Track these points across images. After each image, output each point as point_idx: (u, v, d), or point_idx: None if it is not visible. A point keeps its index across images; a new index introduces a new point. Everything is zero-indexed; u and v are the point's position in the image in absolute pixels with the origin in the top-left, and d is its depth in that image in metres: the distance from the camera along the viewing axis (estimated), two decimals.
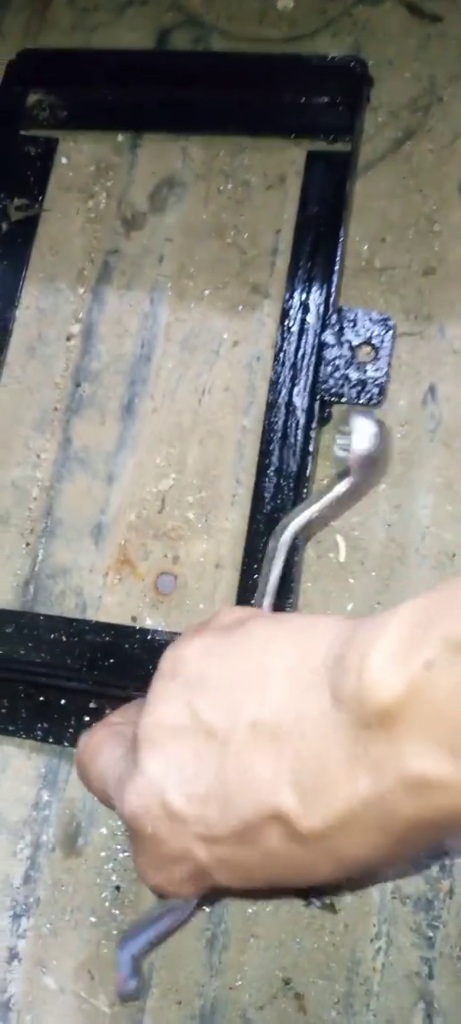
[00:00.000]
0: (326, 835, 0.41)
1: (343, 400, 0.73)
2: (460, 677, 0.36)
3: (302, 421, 0.74)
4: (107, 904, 0.62)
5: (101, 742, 0.51)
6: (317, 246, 0.81)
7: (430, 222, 0.82)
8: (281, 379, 0.76)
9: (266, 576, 0.59)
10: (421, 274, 0.80)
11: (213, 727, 0.44)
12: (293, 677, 0.43)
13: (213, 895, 0.55)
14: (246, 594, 0.69)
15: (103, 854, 0.64)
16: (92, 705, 0.68)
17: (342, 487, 0.58)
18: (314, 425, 0.72)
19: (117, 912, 0.62)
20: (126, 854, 0.63)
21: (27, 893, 0.63)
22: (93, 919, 0.62)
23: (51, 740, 0.68)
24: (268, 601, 0.58)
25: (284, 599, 0.68)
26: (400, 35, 0.91)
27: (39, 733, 0.68)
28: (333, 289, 0.77)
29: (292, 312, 0.78)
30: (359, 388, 0.73)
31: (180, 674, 0.47)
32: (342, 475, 0.58)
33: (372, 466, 0.57)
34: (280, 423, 0.75)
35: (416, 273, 0.80)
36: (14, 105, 0.92)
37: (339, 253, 0.78)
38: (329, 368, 0.74)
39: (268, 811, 0.42)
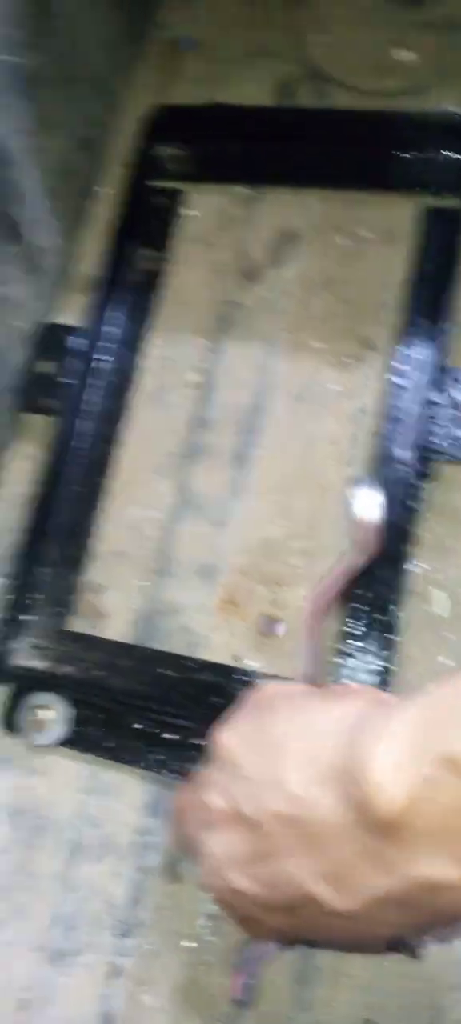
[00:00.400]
0: (360, 913, 0.43)
1: (445, 457, 0.74)
2: (457, 794, 0.38)
3: (405, 475, 0.75)
4: (204, 930, 0.65)
5: (186, 806, 0.54)
6: (430, 303, 0.82)
7: None
8: (387, 433, 0.77)
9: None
10: None
11: (247, 817, 0.47)
12: (308, 772, 0.44)
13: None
14: (344, 645, 0.71)
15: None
16: (197, 741, 0.70)
17: (362, 558, 0.59)
18: (419, 480, 0.73)
19: (213, 939, 0.65)
20: None
21: (131, 914, 0.67)
22: (191, 944, 0.65)
23: (158, 770, 0.71)
24: (304, 672, 0.61)
25: (382, 652, 0.70)
26: None
27: (147, 763, 0.71)
28: (442, 347, 0.77)
29: (400, 367, 0.80)
30: None
31: (221, 761, 0.50)
32: (360, 547, 0.59)
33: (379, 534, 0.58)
34: (384, 476, 0.76)
35: None
36: (145, 158, 0.96)
37: (450, 311, 0.78)
38: (434, 425, 0.75)
39: (304, 895, 0.45)
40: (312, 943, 0.53)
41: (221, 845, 0.49)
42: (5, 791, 0.72)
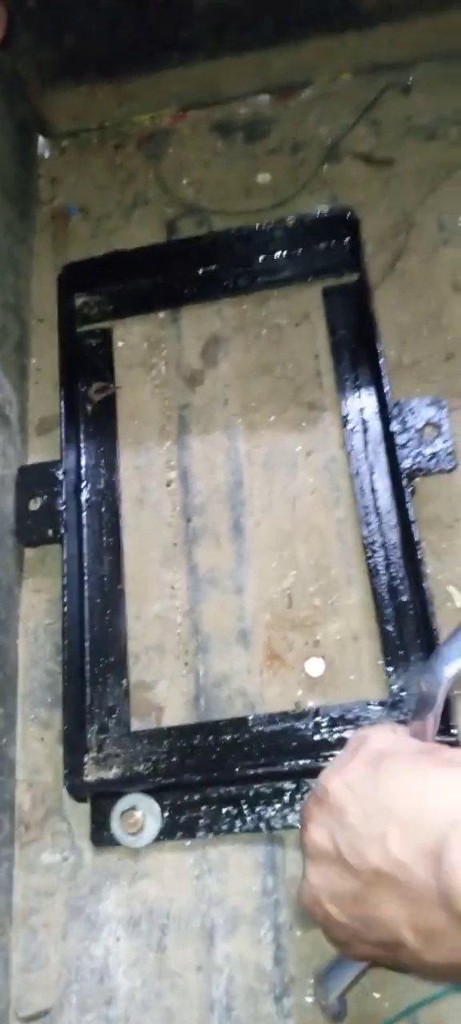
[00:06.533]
0: (444, 966, 0.41)
1: (422, 472, 0.69)
2: None
3: (388, 499, 0.69)
4: None
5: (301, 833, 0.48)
6: (356, 360, 0.77)
7: (437, 318, 0.80)
8: (361, 470, 0.71)
9: (423, 710, 0.48)
10: (444, 360, 0.77)
11: (348, 863, 0.43)
12: (407, 839, 0.40)
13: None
14: (390, 657, 0.64)
15: None
16: (287, 785, 0.60)
17: None
18: (408, 499, 0.67)
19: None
20: None
21: (281, 974, 0.55)
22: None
23: (256, 828, 0.60)
24: (414, 723, 0.48)
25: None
26: (364, 183, 0.89)
27: (245, 824, 0.60)
28: (386, 389, 0.72)
29: (351, 416, 0.74)
30: (434, 459, 0.69)
31: (325, 803, 0.45)
32: None
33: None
34: (371, 506, 0.70)
35: (439, 361, 0.77)
36: (68, 310, 0.85)
37: (381, 360, 0.73)
38: (404, 451, 0.69)
39: (396, 940, 0.41)
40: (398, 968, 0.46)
41: (321, 877, 0.44)
42: (116, 905, 0.58)
